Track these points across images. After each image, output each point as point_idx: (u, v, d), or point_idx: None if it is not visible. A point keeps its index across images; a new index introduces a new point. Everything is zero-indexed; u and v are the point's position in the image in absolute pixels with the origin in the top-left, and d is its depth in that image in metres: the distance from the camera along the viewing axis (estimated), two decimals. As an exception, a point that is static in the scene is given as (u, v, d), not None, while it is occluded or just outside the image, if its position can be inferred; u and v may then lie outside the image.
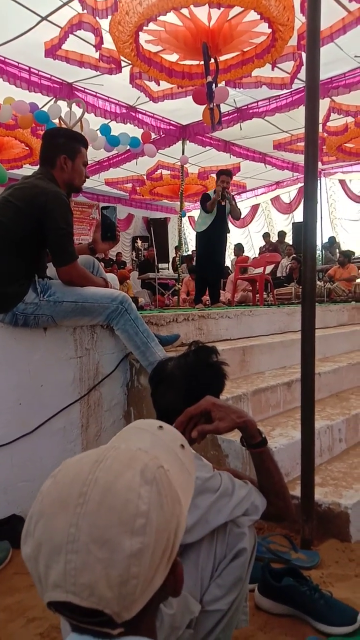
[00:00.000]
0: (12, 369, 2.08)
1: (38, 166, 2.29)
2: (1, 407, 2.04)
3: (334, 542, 1.86)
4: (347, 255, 9.09)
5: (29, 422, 2.11)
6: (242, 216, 7.67)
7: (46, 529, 0.54)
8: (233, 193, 13.80)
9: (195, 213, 16.54)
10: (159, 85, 6.49)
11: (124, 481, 0.56)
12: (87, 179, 2.36)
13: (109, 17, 4.98)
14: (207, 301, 6.23)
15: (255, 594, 1.57)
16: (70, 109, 6.31)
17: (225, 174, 5.56)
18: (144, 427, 0.70)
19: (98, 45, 5.51)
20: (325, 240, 11.99)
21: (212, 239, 5.70)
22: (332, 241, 11.86)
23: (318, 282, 8.09)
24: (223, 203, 5.48)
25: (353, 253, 9.64)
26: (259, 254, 10.82)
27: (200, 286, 6.14)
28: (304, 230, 1.90)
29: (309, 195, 1.88)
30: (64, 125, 6.21)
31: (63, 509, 0.54)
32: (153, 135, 8.52)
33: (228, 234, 6.18)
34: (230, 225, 16.16)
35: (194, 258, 7.37)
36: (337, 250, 10.92)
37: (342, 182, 12.78)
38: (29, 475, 2.09)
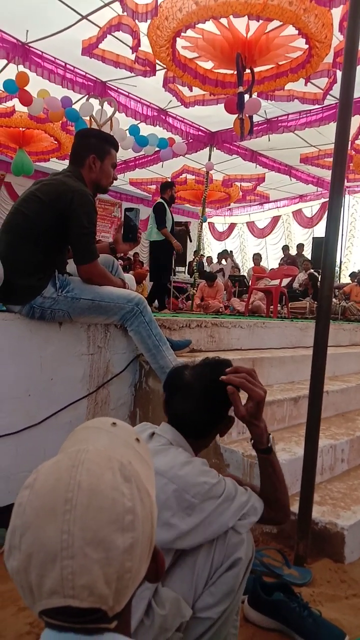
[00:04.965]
0: (24, 360, 2.12)
1: (65, 160, 2.32)
2: (10, 396, 2.07)
3: (328, 561, 1.86)
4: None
5: (36, 413, 2.14)
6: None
7: (36, 540, 0.54)
8: (256, 203, 13.84)
9: (216, 220, 16.68)
10: (191, 91, 6.52)
11: (106, 481, 0.57)
12: (115, 181, 2.39)
13: (148, 21, 5.03)
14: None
15: (244, 605, 1.58)
16: (102, 107, 6.38)
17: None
18: (98, 426, 0.69)
19: (135, 48, 5.56)
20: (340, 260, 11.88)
21: (169, 246, 6.53)
22: None
23: (333, 300, 8.05)
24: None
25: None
26: (279, 265, 10.78)
27: (164, 291, 7.05)
28: (325, 247, 1.90)
29: (332, 212, 1.89)
30: (94, 123, 6.27)
31: (50, 517, 0.55)
32: (179, 140, 8.56)
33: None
34: (248, 234, 16.12)
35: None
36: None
37: (366, 201, 12.74)
38: (32, 465, 2.10)
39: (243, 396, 1.26)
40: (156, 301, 6.72)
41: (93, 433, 0.68)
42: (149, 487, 0.63)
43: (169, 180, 10.11)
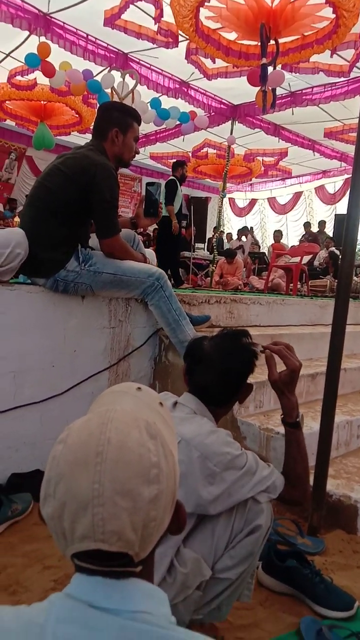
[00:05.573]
0: (49, 332, 2.17)
1: (86, 134, 2.33)
2: (36, 367, 2.14)
3: (341, 532, 1.91)
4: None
5: (60, 384, 2.21)
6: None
7: (69, 489, 0.59)
8: (277, 178, 13.64)
9: (237, 195, 16.48)
10: (214, 62, 6.40)
11: (133, 438, 0.61)
12: (137, 154, 2.39)
13: (172, -10, 4.93)
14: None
15: (259, 571, 1.64)
16: (124, 80, 6.31)
17: None
18: (123, 390, 0.74)
19: (157, 18, 5.47)
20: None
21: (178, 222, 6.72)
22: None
23: (354, 278, 7.96)
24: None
25: None
26: (299, 242, 10.63)
27: (176, 267, 6.98)
28: (346, 224, 1.90)
29: (355, 188, 1.87)
30: (115, 96, 6.22)
31: (83, 469, 0.59)
32: (201, 113, 8.44)
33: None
34: (269, 210, 15.89)
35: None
36: None
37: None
38: (56, 434, 2.15)
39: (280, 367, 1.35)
40: (172, 279, 6.75)
41: (119, 396, 0.72)
42: (172, 447, 0.67)
43: (189, 154, 10.03)
